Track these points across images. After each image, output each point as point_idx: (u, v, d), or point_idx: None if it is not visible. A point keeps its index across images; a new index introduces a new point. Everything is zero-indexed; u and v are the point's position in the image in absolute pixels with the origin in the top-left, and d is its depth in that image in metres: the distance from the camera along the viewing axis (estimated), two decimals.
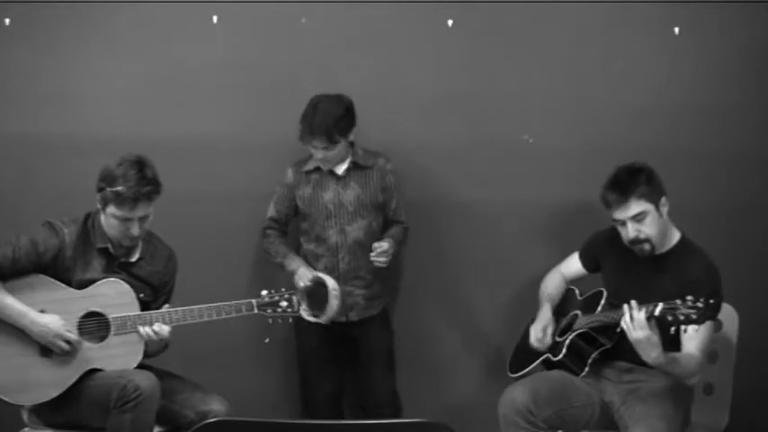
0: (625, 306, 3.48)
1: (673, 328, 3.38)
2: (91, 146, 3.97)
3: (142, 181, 3.53)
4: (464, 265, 4.50)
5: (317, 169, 4.17)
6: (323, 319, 4.04)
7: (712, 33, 4.38)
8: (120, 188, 3.51)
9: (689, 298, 3.36)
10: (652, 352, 3.45)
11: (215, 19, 4.35)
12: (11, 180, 4.34)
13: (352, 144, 4.15)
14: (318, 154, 4.07)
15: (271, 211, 4.24)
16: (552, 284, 4.04)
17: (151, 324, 3.58)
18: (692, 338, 3.59)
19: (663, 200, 3.72)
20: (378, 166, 4.18)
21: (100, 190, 3.57)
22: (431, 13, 4.38)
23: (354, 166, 4.16)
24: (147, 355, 3.68)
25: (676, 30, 4.37)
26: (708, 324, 3.56)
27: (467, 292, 4.51)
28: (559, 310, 3.97)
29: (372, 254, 4.06)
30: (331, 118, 4.01)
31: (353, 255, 4.12)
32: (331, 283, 4.03)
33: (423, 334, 4.50)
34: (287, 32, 4.38)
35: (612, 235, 3.82)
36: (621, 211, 3.68)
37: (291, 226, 4.29)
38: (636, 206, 3.66)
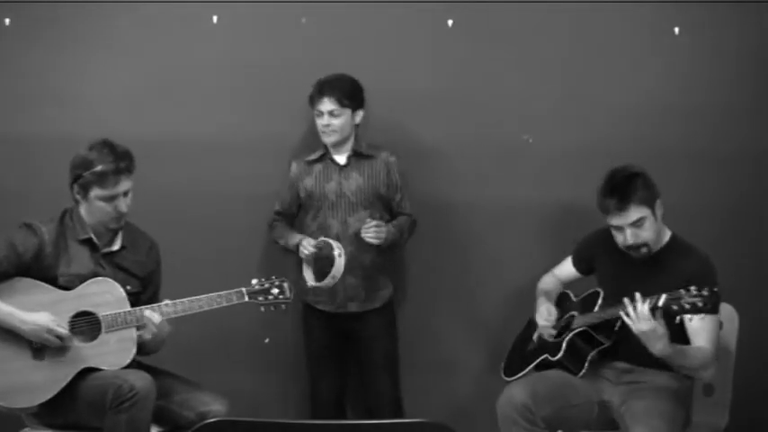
0: (626, 299, 3.47)
1: (678, 318, 3.36)
2: None
3: (118, 156, 3.57)
4: (464, 264, 4.50)
5: (320, 159, 4.19)
6: (329, 281, 4.03)
7: (713, 34, 4.38)
8: (99, 168, 3.54)
9: (692, 288, 3.35)
10: (657, 343, 3.44)
11: (215, 19, 4.35)
12: (11, 180, 4.35)
13: (356, 127, 4.18)
14: (324, 119, 4.11)
15: (276, 205, 4.29)
16: (547, 284, 4.04)
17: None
18: (699, 332, 3.58)
19: (658, 203, 3.70)
20: (381, 159, 4.21)
21: (76, 179, 3.59)
22: (431, 13, 4.38)
23: (356, 155, 4.18)
24: (145, 352, 3.69)
25: (676, 30, 4.37)
26: (714, 317, 3.56)
27: (467, 291, 4.51)
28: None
29: (362, 228, 4.07)
30: (344, 83, 4.11)
31: (355, 246, 4.12)
32: (334, 242, 4.05)
33: (424, 333, 4.50)
34: (287, 32, 4.38)
35: (604, 236, 3.81)
36: (621, 217, 3.65)
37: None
38: (635, 212, 3.64)
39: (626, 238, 3.67)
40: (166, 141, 4.28)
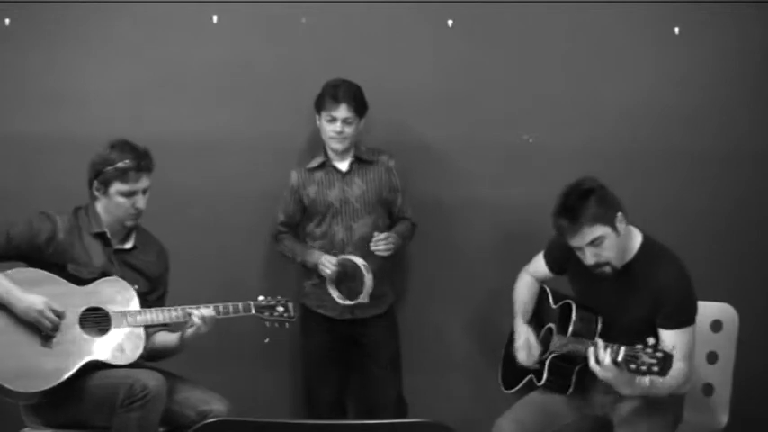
0: (591, 349, 3.37)
1: (637, 378, 3.27)
2: (91, 146, 3.96)
3: (140, 154, 3.67)
4: (464, 264, 4.50)
5: (322, 166, 4.18)
6: (363, 298, 4.05)
7: (713, 34, 4.38)
8: (121, 164, 3.63)
9: (650, 342, 3.23)
10: (625, 388, 3.38)
11: (215, 19, 4.35)
12: (11, 180, 4.35)
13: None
14: (337, 126, 4.07)
15: (280, 217, 4.25)
16: (523, 291, 3.90)
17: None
18: (674, 347, 3.37)
19: (619, 216, 3.45)
20: (381, 163, 4.20)
21: (97, 174, 3.65)
22: (431, 13, 4.38)
23: (357, 161, 4.18)
24: (154, 357, 3.73)
25: (676, 30, 4.37)
26: (688, 329, 3.48)
27: (468, 292, 4.51)
28: (535, 312, 3.88)
29: (371, 242, 4.07)
30: (356, 90, 4.10)
31: (360, 252, 4.11)
32: (359, 260, 4.04)
33: (425, 334, 4.50)
34: (287, 32, 4.38)
35: None
36: (576, 238, 3.46)
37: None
38: (590, 233, 3.43)
39: (586, 258, 3.48)
40: (166, 141, 4.26)
